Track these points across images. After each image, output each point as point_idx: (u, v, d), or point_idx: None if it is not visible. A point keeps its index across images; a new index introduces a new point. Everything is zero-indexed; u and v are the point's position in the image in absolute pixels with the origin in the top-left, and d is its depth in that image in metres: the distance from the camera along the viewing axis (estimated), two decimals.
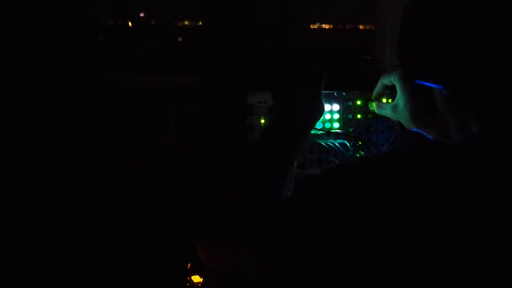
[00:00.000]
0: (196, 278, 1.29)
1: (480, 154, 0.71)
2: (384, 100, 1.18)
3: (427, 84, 0.81)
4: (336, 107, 1.20)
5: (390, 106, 1.10)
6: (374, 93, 1.15)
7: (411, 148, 0.83)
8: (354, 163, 0.83)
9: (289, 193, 0.92)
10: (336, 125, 1.21)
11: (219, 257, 0.80)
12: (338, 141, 1.19)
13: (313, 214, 0.73)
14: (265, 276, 0.75)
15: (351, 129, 1.21)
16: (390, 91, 1.14)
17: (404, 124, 1.09)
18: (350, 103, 1.21)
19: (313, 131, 1.17)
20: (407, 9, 0.82)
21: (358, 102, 1.21)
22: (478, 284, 0.67)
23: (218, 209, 0.84)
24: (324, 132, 1.19)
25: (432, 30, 0.77)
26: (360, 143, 1.19)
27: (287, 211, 0.76)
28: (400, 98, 1.05)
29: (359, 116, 1.22)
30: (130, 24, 1.61)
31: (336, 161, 1.18)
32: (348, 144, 1.19)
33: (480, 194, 0.68)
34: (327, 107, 1.19)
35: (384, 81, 1.10)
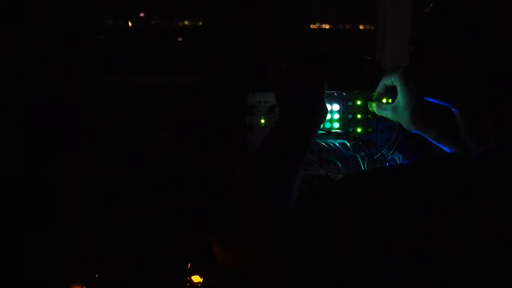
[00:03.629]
0: (196, 278, 1.29)
1: (502, 166, 0.71)
2: (384, 100, 1.19)
3: (437, 102, 0.81)
4: (336, 107, 1.20)
5: (390, 107, 1.10)
6: (375, 93, 1.15)
7: (427, 160, 0.82)
8: (371, 172, 0.83)
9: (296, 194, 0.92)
10: (336, 125, 1.21)
11: (235, 256, 0.80)
12: (338, 141, 1.19)
13: (328, 218, 0.72)
14: (277, 278, 0.75)
15: (351, 129, 1.21)
16: (391, 92, 1.14)
17: (404, 126, 1.09)
18: (350, 103, 1.21)
19: None
20: (416, 26, 0.83)
21: (358, 102, 1.21)
22: None
23: (234, 209, 0.84)
24: (324, 132, 1.19)
25: (443, 53, 0.77)
26: (360, 143, 1.19)
27: (302, 215, 0.76)
28: (400, 99, 1.05)
29: (359, 116, 1.22)
30: (130, 24, 1.61)
31: (336, 161, 1.18)
32: (348, 144, 1.19)
33: (501, 206, 0.68)
34: (327, 107, 1.19)
35: (386, 81, 1.10)
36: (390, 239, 0.68)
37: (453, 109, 0.81)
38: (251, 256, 0.77)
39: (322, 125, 1.19)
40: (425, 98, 0.84)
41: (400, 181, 0.72)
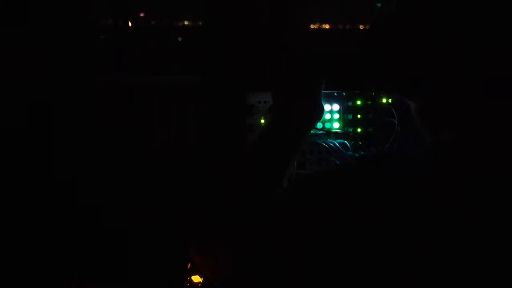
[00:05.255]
0: (196, 278, 1.29)
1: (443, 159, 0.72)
2: (384, 100, 1.19)
3: (394, 95, 0.83)
4: (336, 107, 1.20)
5: None
6: None
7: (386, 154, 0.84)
8: (330, 172, 0.84)
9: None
10: (336, 125, 1.21)
11: (204, 259, 0.80)
12: (338, 141, 1.20)
13: (300, 219, 0.72)
14: (245, 284, 0.75)
15: (351, 129, 1.21)
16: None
17: None
18: (350, 103, 1.21)
19: (313, 131, 1.17)
20: (373, 20, 0.84)
21: (358, 102, 1.21)
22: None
23: (211, 211, 0.83)
24: (324, 132, 1.19)
25: (395, 46, 0.79)
26: (360, 143, 1.19)
27: (274, 220, 0.76)
28: None
29: (359, 116, 1.22)
30: (130, 24, 1.61)
31: (336, 161, 1.18)
32: (348, 144, 1.19)
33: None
34: (327, 107, 1.19)
35: None
36: (364, 239, 0.68)
37: (409, 102, 0.83)
38: (229, 265, 0.76)
39: (322, 125, 1.19)
40: (383, 91, 0.85)
41: (356, 184, 0.73)
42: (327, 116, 1.20)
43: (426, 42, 0.76)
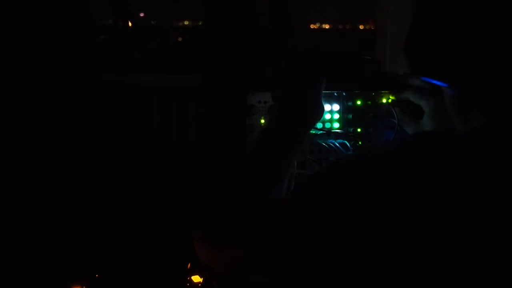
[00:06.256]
0: (196, 278, 1.29)
1: (479, 143, 0.71)
2: (384, 100, 1.19)
3: (433, 82, 0.82)
4: (336, 107, 1.20)
5: (413, 123, 1.12)
6: (397, 99, 1.18)
7: (409, 142, 0.82)
8: (343, 163, 0.83)
9: (288, 193, 0.92)
10: (336, 125, 1.21)
11: (213, 254, 0.80)
12: (338, 141, 1.19)
13: (310, 217, 0.72)
14: (257, 277, 0.75)
15: (351, 129, 1.21)
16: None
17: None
18: (350, 103, 1.21)
19: (313, 131, 1.17)
20: (415, 5, 0.83)
21: (358, 102, 1.21)
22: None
23: (217, 208, 0.84)
24: (324, 132, 1.19)
25: (437, 30, 0.78)
26: (360, 143, 1.19)
27: (283, 214, 0.76)
28: (427, 122, 1.06)
29: (359, 116, 1.22)
30: (130, 24, 1.61)
31: None
32: (348, 144, 1.19)
33: (481, 184, 0.68)
34: (327, 107, 1.19)
35: (412, 97, 1.12)
36: (386, 232, 0.68)
37: (448, 89, 0.82)
38: (237, 257, 0.77)
39: (322, 125, 1.19)
40: (422, 78, 0.84)
41: (380, 170, 0.71)
42: (327, 116, 1.20)
43: (468, 27, 0.74)
